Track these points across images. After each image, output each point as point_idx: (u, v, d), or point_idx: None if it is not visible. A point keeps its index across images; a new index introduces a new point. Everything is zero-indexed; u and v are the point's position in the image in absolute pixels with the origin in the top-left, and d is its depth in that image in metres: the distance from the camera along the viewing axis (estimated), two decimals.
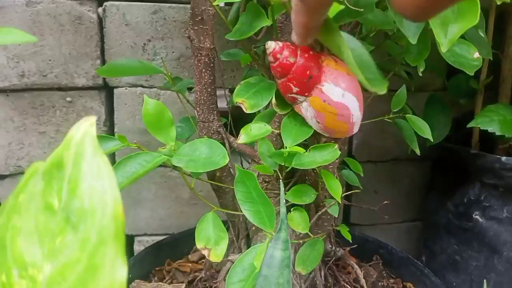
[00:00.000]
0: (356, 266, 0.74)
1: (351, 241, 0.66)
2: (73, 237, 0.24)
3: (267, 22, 0.46)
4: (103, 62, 0.81)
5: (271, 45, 0.45)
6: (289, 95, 0.48)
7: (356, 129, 0.51)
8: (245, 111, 0.50)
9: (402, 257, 0.79)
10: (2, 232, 0.26)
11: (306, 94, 0.47)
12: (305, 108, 0.49)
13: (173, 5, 0.80)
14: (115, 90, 0.83)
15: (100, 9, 0.79)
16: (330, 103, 0.47)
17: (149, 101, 0.50)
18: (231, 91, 0.86)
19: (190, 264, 0.79)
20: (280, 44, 0.45)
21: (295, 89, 0.46)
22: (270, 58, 0.46)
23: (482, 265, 0.74)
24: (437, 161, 0.92)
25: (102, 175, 0.24)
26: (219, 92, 0.61)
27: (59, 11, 0.77)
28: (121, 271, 0.22)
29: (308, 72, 0.45)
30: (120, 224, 0.23)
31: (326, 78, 0.47)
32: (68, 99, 0.81)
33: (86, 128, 0.25)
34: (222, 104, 0.65)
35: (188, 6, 0.80)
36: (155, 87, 0.83)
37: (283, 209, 0.39)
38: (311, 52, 0.46)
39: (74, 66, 0.79)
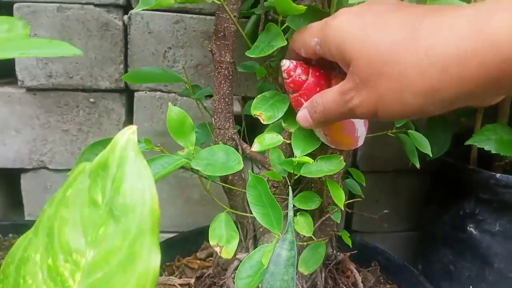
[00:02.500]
0: (355, 271, 0.78)
1: (351, 246, 0.70)
2: (115, 228, 0.28)
3: (284, 43, 0.51)
4: (126, 67, 0.86)
5: (286, 63, 0.50)
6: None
7: (360, 142, 0.55)
8: (262, 122, 0.55)
9: (399, 264, 0.83)
10: (51, 221, 0.31)
11: None
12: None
13: (194, 16, 0.85)
14: (135, 94, 0.88)
15: (125, 17, 0.84)
16: None
17: (173, 108, 0.55)
18: (244, 98, 0.91)
19: (198, 261, 0.84)
20: (294, 62, 0.49)
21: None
22: (284, 75, 0.50)
23: (474, 275, 0.78)
24: (437, 174, 0.96)
25: (142, 176, 0.29)
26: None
27: (87, 18, 0.82)
28: (156, 258, 0.26)
29: (318, 89, 0.49)
30: (156, 219, 0.27)
31: None
32: (91, 100, 0.86)
33: (129, 135, 0.30)
34: (235, 108, 0.69)
35: (208, 17, 0.85)
36: (174, 92, 0.88)
37: (290, 213, 0.44)
38: (322, 71, 0.50)
39: (99, 70, 0.84)
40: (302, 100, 0.50)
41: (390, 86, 0.34)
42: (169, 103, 0.56)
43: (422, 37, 0.32)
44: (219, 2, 0.54)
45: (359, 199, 0.68)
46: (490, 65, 0.29)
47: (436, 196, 0.93)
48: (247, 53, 0.54)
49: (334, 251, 0.76)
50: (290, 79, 0.49)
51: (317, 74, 0.49)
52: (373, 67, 0.35)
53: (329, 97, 0.43)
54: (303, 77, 0.49)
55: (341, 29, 0.38)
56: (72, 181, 0.32)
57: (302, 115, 0.48)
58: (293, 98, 0.52)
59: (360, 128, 0.53)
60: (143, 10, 0.84)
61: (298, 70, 0.49)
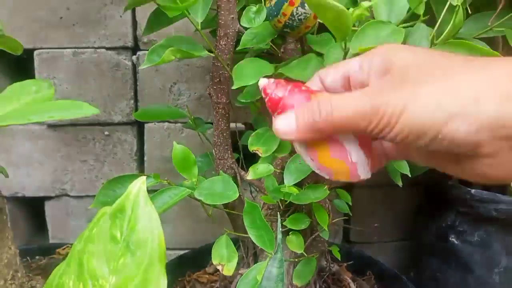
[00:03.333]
0: (349, 280, 0.85)
1: (340, 259, 0.78)
2: (131, 259, 0.36)
3: None
4: (136, 101, 0.95)
5: (262, 81, 0.42)
6: None
7: (361, 171, 0.41)
8: (261, 155, 0.63)
9: (391, 273, 0.90)
10: (80, 254, 0.40)
11: None
12: (298, 145, 0.43)
13: None
14: (145, 125, 0.97)
15: (134, 57, 0.93)
16: None
17: (177, 147, 0.64)
18: (245, 124, 0.99)
19: (207, 276, 0.92)
20: (272, 80, 0.43)
21: None
22: (262, 94, 0.43)
23: (458, 281, 0.86)
24: (426, 188, 1.04)
25: (151, 218, 0.37)
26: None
27: (100, 60, 0.91)
28: (164, 282, 0.35)
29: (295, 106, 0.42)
30: (163, 252, 0.36)
31: None
32: (106, 133, 0.95)
33: (140, 185, 0.38)
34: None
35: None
36: (179, 123, 0.97)
37: (279, 236, 0.52)
38: (303, 88, 0.42)
39: (112, 105, 0.94)
40: None
41: (433, 90, 0.28)
42: (174, 142, 0.64)
43: (493, 67, 0.28)
44: (213, 55, 0.63)
45: (345, 217, 0.76)
46: None
47: (425, 208, 1.00)
48: (239, 98, 0.62)
49: (328, 264, 0.84)
50: (267, 97, 0.42)
51: (296, 90, 0.42)
52: (423, 69, 0.31)
53: (348, 97, 0.35)
54: (279, 94, 0.41)
55: (391, 46, 0.36)
56: (96, 221, 0.40)
57: (285, 123, 0.39)
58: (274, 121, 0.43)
59: (353, 151, 0.41)
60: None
61: (274, 87, 0.42)
